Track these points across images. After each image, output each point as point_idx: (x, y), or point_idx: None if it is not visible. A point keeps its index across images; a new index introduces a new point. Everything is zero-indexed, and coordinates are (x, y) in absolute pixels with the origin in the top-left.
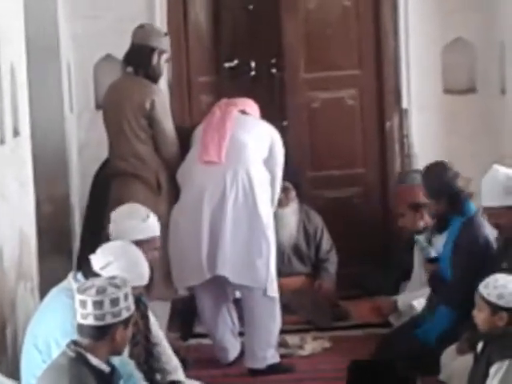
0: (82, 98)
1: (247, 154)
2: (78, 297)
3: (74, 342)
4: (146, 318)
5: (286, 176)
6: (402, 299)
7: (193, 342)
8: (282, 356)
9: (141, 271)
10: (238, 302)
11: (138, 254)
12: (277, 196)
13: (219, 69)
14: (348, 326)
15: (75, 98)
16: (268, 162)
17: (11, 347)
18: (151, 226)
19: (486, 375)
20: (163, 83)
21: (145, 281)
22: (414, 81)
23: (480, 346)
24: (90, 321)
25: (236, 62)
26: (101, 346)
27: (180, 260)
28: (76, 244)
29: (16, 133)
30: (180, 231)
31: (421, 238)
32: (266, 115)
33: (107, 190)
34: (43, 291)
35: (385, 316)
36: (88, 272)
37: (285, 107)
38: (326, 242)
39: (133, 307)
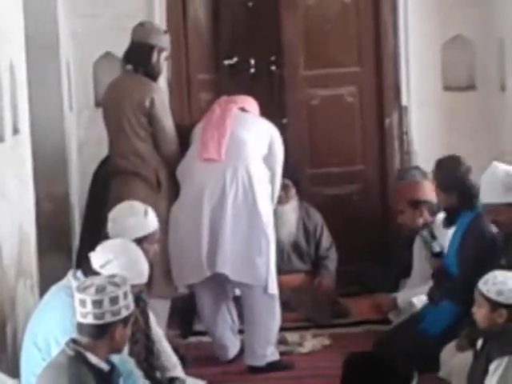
0: (81, 96)
1: (247, 151)
2: (78, 296)
3: (74, 341)
4: (145, 314)
5: (286, 173)
6: (401, 296)
7: (192, 339)
8: (281, 353)
9: (140, 269)
10: (237, 300)
11: (137, 252)
12: (276, 193)
13: (219, 66)
14: (348, 323)
15: (75, 96)
16: (268, 160)
17: (11, 345)
18: (152, 220)
19: (485, 372)
20: (163, 81)
21: (144, 279)
22: (414, 78)
23: (479, 342)
24: (90, 319)
25: (235, 59)
26: (100, 344)
27: (180, 258)
28: (75, 242)
29: (15, 131)
30: (180, 229)
31: (425, 233)
32: (266, 112)
33: (107, 187)
34: (43, 289)
35: (384, 313)
36: (88, 270)
37: (284, 104)
38: (326, 240)
39: (132, 306)
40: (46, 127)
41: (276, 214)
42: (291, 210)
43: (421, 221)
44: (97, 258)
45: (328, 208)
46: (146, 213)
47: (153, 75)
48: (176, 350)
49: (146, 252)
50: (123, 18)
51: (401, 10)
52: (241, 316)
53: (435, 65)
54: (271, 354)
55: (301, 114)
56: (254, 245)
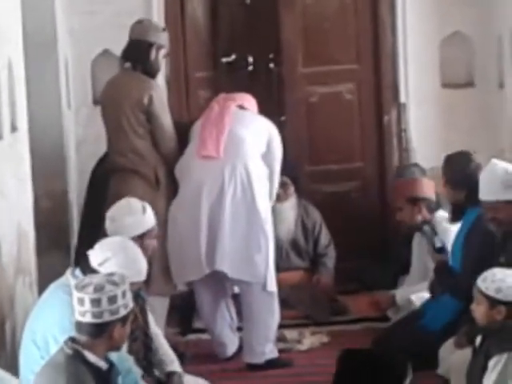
0: (79, 93)
1: (245, 148)
2: (76, 294)
3: (72, 339)
4: (144, 312)
5: (284, 171)
6: (400, 293)
7: (192, 337)
8: (280, 351)
9: (139, 267)
10: (236, 297)
11: (136, 250)
12: (275, 191)
13: (217, 64)
14: (346, 320)
15: (73, 94)
16: (266, 157)
17: (10, 342)
18: (149, 216)
19: (484, 368)
20: (161, 78)
21: (143, 277)
22: (412, 75)
23: (478, 339)
24: (88, 318)
25: (234, 56)
26: (99, 343)
27: (179, 255)
28: (74, 240)
29: (14, 128)
30: (178, 226)
31: (427, 228)
32: (264, 110)
33: (105, 185)
34: (41, 286)
35: (383, 310)
36: (86, 268)
37: (283, 102)
38: (324, 237)
39: (131, 304)
40: (44, 125)
41: (274, 211)
42: (290, 207)
43: (419, 218)
44: (95, 255)
45: (326, 205)
46: (143, 210)
47: (151, 73)
48: (175, 347)
49: (145, 248)
50: (121, 16)
51: (399, 8)
52: (239, 313)
53: (433, 62)
54: (270, 351)
55: (299, 111)
56: (252, 242)
